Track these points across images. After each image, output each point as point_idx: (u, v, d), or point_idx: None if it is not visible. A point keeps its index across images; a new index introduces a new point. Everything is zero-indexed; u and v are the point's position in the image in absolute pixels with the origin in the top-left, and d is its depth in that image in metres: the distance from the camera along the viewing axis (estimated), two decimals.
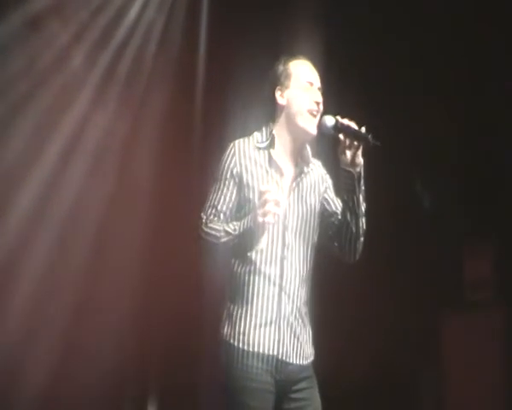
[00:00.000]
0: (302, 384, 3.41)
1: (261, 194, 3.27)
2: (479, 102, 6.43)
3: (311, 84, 3.56)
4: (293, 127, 3.53)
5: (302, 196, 3.51)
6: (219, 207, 3.43)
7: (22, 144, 5.66)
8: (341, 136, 3.45)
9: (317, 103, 3.53)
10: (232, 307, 3.40)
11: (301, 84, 3.54)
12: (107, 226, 6.00)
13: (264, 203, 3.23)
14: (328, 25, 6.24)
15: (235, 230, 3.34)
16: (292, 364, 3.38)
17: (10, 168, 5.63)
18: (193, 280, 5.63)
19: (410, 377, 6.68)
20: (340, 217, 3.53)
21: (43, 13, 5.69)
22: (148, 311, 6.14)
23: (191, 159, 6.06)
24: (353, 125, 3.45)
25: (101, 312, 5.92)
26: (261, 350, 3.33)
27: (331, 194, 3.62)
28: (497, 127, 6.40)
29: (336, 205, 3.59)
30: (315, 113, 3.52)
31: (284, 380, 3.36)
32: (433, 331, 6.68)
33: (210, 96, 6.28)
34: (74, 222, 5.89)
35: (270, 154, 3.49)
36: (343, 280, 6.36)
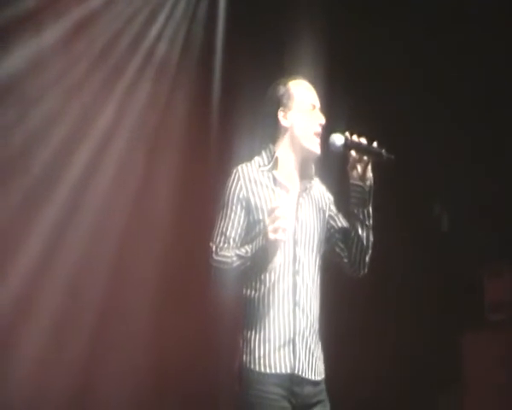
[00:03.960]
0: (317, 409, 3.43)
1: (270, 211, 3.29)
2: (495, 128, 6.44)
3: (314, 106, 3.61)
4: (297, 148, 3.57)
5: (309, 211, 3.55)
6: (228, 234, 3.44)
7: (37, 176, 5.72)
8: (353, 152, 3.49)
9: (321, 125, 3.58)
10: (249, 333, 3.42)
11: (305, 107, 3.59)
12: (122, 257, 6.02)
13: (274, 220, 3.25)
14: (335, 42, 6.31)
15: (247, 252, 3.36)
16: (307, 379, 3.40)
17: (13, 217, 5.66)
18: (208, 312, 5.59)
19: (431, 397, 6.65)
20: (349, 232, 3.56)
21: (52, 48, 5.78)
22: (162, 346, 6.10)
23: (208, 187, 6.08)
24: (364, 140, 3.49)
25: (114, 353, 5.93)
26: (278, 371, 3.36)
27: (335, 210, 3.66)
28: None
29: (342, 221, 3.63)
30: (319, 134, 3.57)
31: (300, 404, 3.39)
32: (453, 352, 6.65)
33: (225, 122, 6.34)
34: (88, 259, 5.92)
35: (273, 175, 3.52)
36: (364, 300, 6.42)
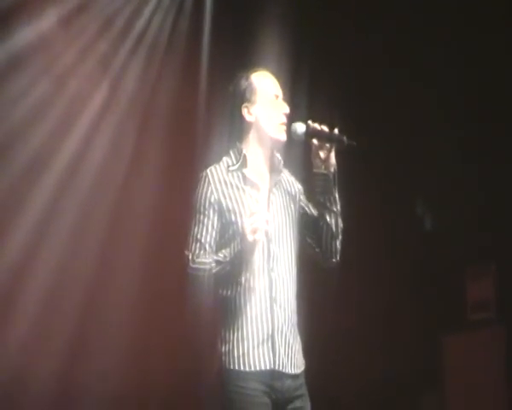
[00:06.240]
0: (297, 403, 3.43)
1: (249, 215, 3.29)
2: (481, 128, 6.43)
3: (277, 96, 3.59)
4: (265, 141, 3.55)
5: (281, 205, 3.54)
6: (203, 240, 3.42)
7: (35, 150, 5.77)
8: (314, 140, 3.49)
9: (286, 114, 3.56)
10: (227, 333, 3.41)
11: (268, 99, 3.57)
12: (107, 253, 6.03)
13: (252, 221, 3.25)
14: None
15: (225, 257, 3.36)
16: (287, 374, 3.40)
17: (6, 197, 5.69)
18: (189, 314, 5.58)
19: (412, 397, 6.67)
20: (318, 221, 3.56)
21: (48, 31, 5.86)
22: (144, 346, 6.11)
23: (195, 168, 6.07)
24: (325, 128, 3.49)
25: (96, 351, 5.93)
26: (258, 368, 3.36)
27: (305, 200, 3.65)
28: (500, 153, 6.39)
29: (312, 211, 3.62)
30: (285, 123, 3.56)
31: (281, 399, 3.39)
32: (434, 351, 6.68)
33: (211, 107, 6.33)
34: (73, 253, 5.93)
35: (243, 173, 3.51)
36: (343, 300, 6.42)
